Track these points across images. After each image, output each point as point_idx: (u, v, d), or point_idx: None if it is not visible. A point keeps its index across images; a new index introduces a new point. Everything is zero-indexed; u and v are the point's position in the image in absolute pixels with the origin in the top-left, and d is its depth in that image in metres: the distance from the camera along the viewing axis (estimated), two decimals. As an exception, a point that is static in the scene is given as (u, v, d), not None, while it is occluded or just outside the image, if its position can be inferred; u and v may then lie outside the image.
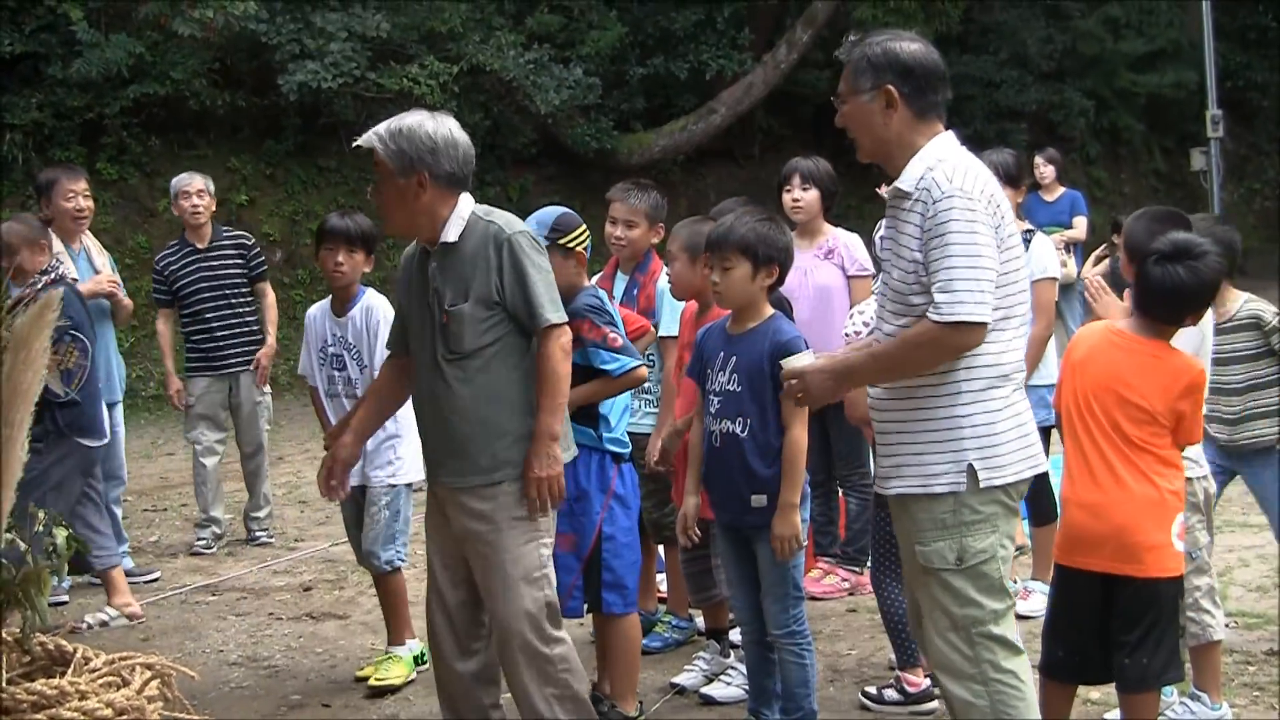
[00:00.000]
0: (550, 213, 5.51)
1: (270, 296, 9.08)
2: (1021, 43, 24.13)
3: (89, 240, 8.15)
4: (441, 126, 4.65)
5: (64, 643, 3.45)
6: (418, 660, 6.22)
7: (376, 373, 5.97)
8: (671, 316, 6.16)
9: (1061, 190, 12.68)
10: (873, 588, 5.77)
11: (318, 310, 6.45)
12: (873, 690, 5.63)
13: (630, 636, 5.44)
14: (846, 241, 7.18)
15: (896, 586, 5.60)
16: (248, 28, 16.73)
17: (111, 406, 7.94)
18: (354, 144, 4.83)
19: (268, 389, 8.99)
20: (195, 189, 8.78)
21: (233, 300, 8.78)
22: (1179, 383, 4.33)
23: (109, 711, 3.00)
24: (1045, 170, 12.55)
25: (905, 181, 4.09)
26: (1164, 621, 4.39)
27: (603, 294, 5.60)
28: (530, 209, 6.22)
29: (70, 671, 3.27)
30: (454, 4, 18.58)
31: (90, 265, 8.00)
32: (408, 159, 4.60)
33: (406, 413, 6.04)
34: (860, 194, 22.18)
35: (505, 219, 4.69)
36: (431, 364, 4.70)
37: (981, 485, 4.01)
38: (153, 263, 9.14)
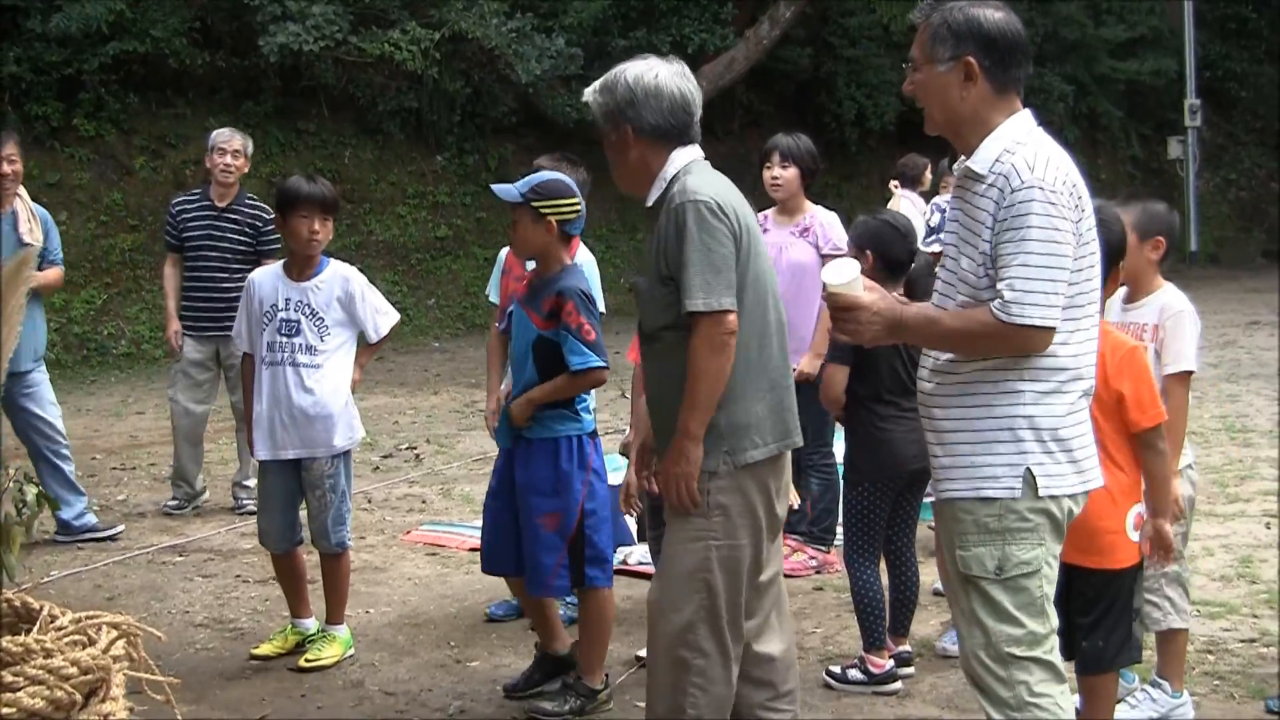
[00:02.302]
0: (545, 174, 5.37)
1: None
2: (1004, 26, 24.13)
3: (20, 205, 7.75)
4: (648, 74, 4.30)
5: (30, 600, 3.44)
6: None
7: (379, 335, 6.05)
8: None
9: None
10: (845, 567, 5.78)
11: (266, 274, 6.11)
12: (836, 669, 5.65)
13: (606, 610, 5.43)
14: (824, 220, 7.21)
15: (869, 567, 5.63)
16: (229, -13, 16.70)
17: (27, 372, 7.81)
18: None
19: None
20: (233, 148, 8.62)
21: (233, 267, 8.47)
22: (1111, 360, 4.31)
23: (74, 670, 2.98)
24: None
25: (979, 163, 3.77)
26: (1120, 605, 4.43)
27: (591, 279, 5.56)
28: (509, 178, 6.16)
29: (36, 629, 3.25)
30: (437, -30, 18.55)
31: (14, 231, 7.61)
32: (609, 112, 4.34)
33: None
34: (839, 173, 22.27)
35: (689, 184, 4.21)
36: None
37: (1040, 494, 3.73)
38: (166, 208, 8.56)
